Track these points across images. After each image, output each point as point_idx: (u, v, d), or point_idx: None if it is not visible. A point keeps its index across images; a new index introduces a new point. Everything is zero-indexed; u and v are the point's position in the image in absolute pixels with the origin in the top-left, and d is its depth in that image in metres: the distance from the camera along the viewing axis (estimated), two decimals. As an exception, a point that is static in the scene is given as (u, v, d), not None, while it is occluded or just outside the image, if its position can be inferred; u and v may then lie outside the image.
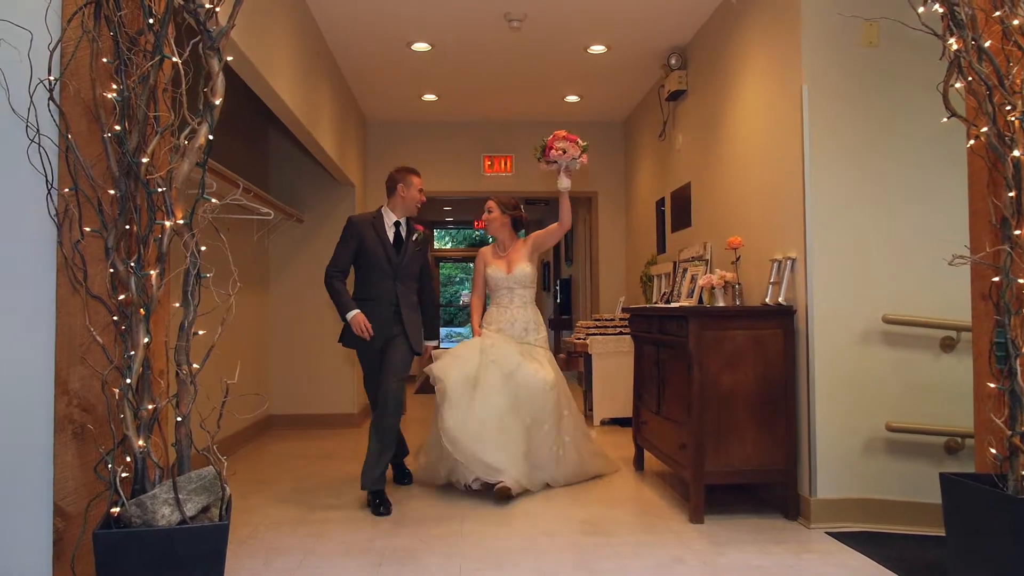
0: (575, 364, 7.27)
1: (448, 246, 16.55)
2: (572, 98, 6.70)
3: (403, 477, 4.31)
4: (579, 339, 6.65)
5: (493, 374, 3.96)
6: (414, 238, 4.09)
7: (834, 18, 3.42)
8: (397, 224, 4.07)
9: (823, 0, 3.46)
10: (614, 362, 6.21)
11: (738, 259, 4.04)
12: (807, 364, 3.49)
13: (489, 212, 4.41)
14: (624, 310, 5.88)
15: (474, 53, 5.51)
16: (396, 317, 3.97)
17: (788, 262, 3.62)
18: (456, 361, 4.04)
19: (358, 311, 3.89)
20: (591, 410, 6.37)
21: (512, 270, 4.29)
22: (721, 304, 3.90)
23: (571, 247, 10.94)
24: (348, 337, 4.00)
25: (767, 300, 3.68)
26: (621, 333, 6.24)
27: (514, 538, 3.25)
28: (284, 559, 2.96)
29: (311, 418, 6.24)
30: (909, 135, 3.45)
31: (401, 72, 5.90)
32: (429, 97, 6.61)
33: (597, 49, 5.45)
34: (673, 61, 5.30)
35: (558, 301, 11.79)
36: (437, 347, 4.32)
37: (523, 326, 4.26)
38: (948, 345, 3.40)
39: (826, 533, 3.29)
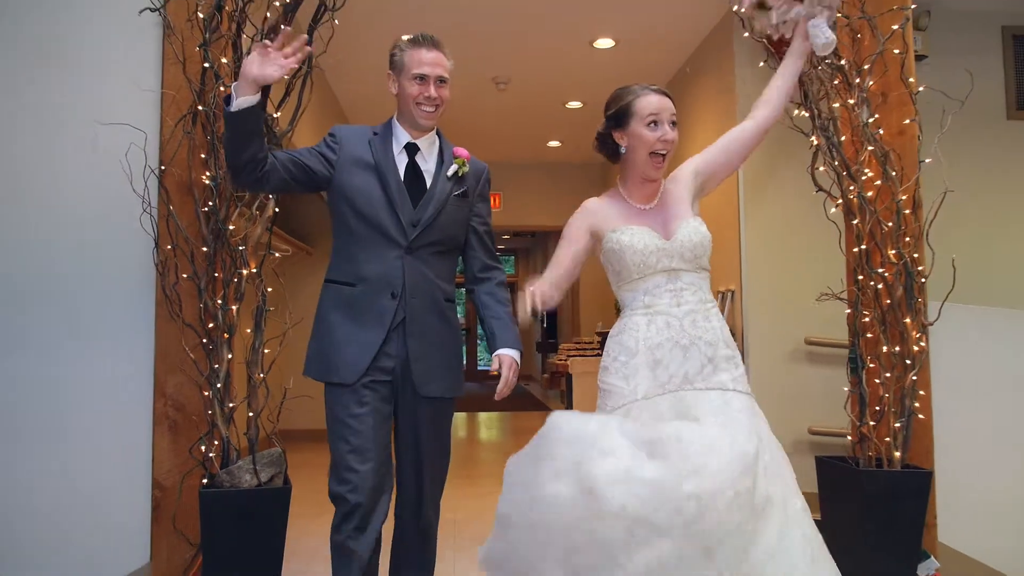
0: (557, 383, 7.96)
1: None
2: (554, 143, 7.47)
3: None
4: (561, 360, 7.35)
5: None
6: (450, 172, 2.17)
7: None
8: (412, 148, 2.17)
9: (752, 83, 4.22)
10: (592, 381, 6.87)
11: (690, 290, 4.77)
12: (743, 378, 4.19)
13: (673, 124, 2.04)
14: (597, 333, 6.58)
15: (466, 109, 6.26)
16: (399, 329, 2.09)
17: (728, 293, 4.35)
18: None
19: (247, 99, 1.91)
20: (572, 424, 7.04)
21: (675, 232, 2.00)
22: (675, 329, 4.61)
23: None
24: (323, 359, 2.12)
25: (712, 325, 4.39)
26: (599, 354, 6.94)
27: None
28: (311, 538, 3.62)
29: (322, 432, 6.87)
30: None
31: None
32: (426, 142, 7.40)
33: (574, 104, 6.22)
34: (640, 116, 6.06)
35: (544, 326, 12.50)
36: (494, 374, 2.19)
37: (705, 353, 1.94)
38: (858, 362, 4.11)
39: (758, 519, 3.97)
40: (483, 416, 9.25)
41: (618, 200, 2.09)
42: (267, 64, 1.90)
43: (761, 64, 2.90)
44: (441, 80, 2.13)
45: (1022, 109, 4.55)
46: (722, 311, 4.36)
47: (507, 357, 2.13)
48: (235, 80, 2.02)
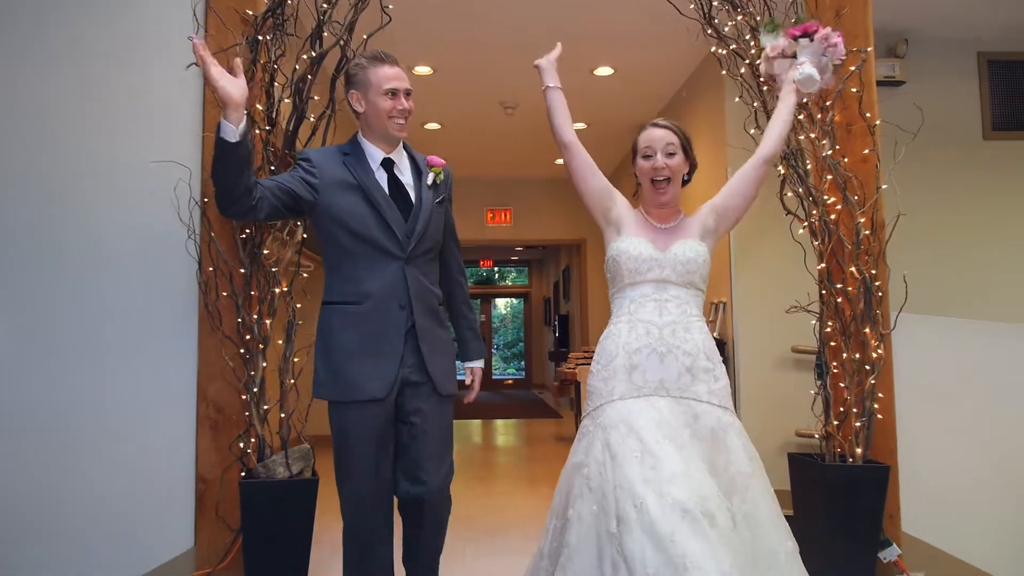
0: (567, 391, 8.27)
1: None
2: (561, 161, 7.80)
3: None
4: (570, 369, 7.66)
5: None
6: (429, 181, 2.32)
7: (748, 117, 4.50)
8: (389, 163, 2.29)
9: (741, 109, 4.54)
10: (599, 388, 7.19)
11: (686, 302, 5.09)
12: (734, 384, 4.49)
13: (670, 154, 2.21)
14: (603, 343, 6.88)
15: (476, 130, 6.63)
16: (409, 337, 2.20)
17: (720, 305, 4.65)
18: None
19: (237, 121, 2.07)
20: (580, 430, 7.35)
21: (670, 247, 2.16)
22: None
23: (568, 284, 11.97)
24: (339, 378, 2.19)
25: (705, 335, 4.71)
26: (605, 363, 7.24)
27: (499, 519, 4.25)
28: (333, 532, 3.95)
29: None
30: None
31: (414, 144, 7.05)
32: (439, 161, 7.81)
33: (579, 125, 6.54)
34: (642, 136, 6.41)
35: (557, 335, 12.80)
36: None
37: (683, 362, 2.07)
38: (841, 369, 4.40)
39: (748, 515, 4.26)
40: (499, 423, 9.58)
41: (640, 214, 2.25)
42: (238, 83, 2.06)
43: (736, 99, 3.22)
44: (408, 93, 2.26)
45: (997, 130, 4.84)
46: (715, 322, 4.67)
47: (478, 370, 2.49)
48: (244, 120, 2.09)
